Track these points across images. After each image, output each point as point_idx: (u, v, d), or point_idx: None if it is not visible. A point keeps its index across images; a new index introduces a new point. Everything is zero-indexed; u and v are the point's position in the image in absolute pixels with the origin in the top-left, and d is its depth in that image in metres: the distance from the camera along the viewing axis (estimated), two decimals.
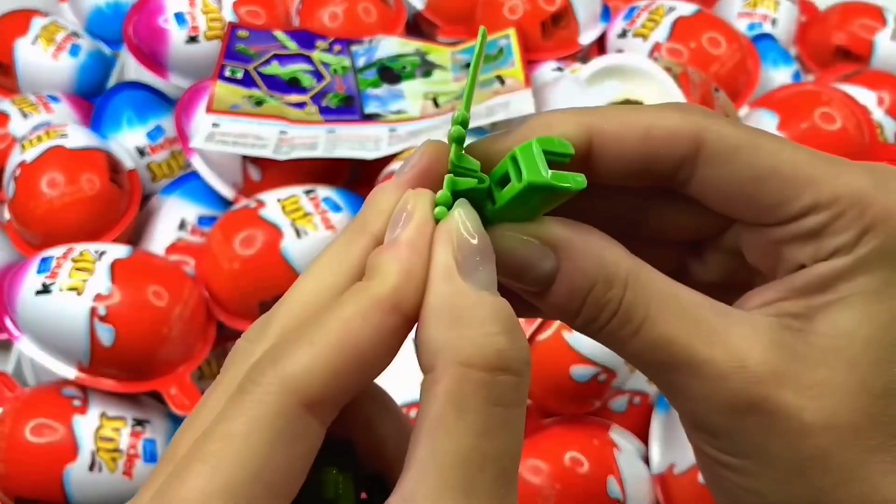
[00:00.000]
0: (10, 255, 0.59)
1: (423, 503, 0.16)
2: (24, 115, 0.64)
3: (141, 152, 0.63)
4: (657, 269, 0.21)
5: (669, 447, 0.47)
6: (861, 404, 0.19)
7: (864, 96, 0.63)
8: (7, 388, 0.51)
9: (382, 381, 0.19)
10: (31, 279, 0.50)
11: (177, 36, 0.64)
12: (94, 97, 0.68)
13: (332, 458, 0.18)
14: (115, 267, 0.50)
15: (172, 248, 0.58)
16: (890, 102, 0.64)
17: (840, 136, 0.58)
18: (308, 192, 0.56)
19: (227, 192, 0.60)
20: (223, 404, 0.17)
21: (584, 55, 0.70)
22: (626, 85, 0.57)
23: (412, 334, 0.18)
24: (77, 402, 0.49)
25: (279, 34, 0.67)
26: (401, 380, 0.49)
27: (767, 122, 0.60)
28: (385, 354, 0.17)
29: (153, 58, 0.65)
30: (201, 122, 0.59)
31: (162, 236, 0.59)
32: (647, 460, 0.48)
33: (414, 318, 0.18)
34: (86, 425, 0.48)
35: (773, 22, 0.73)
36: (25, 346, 0.50)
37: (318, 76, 0.65)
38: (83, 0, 0.74)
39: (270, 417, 0.16)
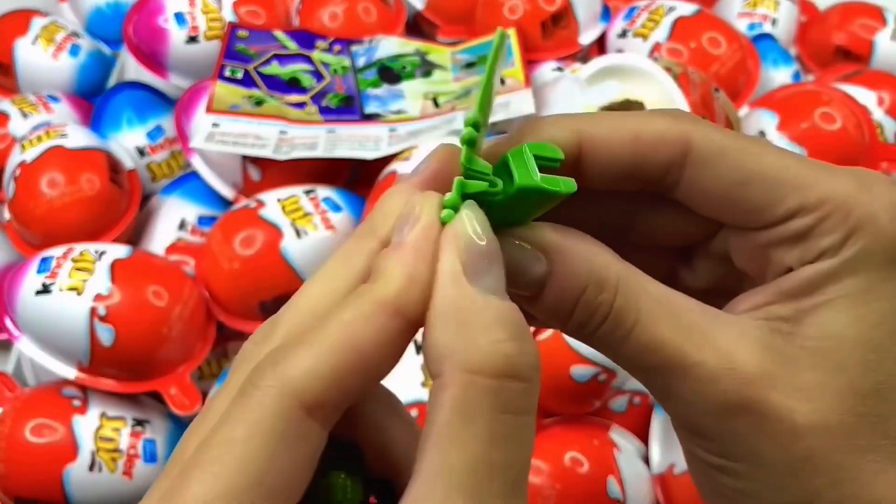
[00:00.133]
0: (10, 255, 0.59)
1: None
2: (24, 115, 0.64)
3: (141, 152, 0.63)
4: (648, 274, 0.22)
5: (669, 447, 0.47)
6: (850, 405, 0.19)
7: (864, 96, 0.63)
8: (7, 388, 0.51)
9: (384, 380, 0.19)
10: (31, 279, 0.50)
11: (177, 36, 0.64)
12: (94, 97, 0.68)
13: (340, 461, 0.18)
14: (115, 267, 0.50)
15: (172, 248, 0.58)
16: (890, 102, 0.64)
17: (840, 136, 0.58)
18: (308, 192, 0.56)
19: (227, 192, 0.60)
20: (226, 407, 0.17)
21: (584, 55, 0.70)
22: (626, 85, 0.57)
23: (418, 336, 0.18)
24: (77, 402, 0.49)
25: (279, 34, 0.67)
26: (401, 380, 0.49)
27: (767, 122, 0.60)
28: (388, 357, 0.17)
29: (153, 58, 0.65)
30: (201, 122, 0.59)
31: (162, 236, 0.59)
32: (647, 460, 0.48)
33: (418, 322, 0.18)
34: (86, 425, 0.48)
35: (773, 22, 0.73)
36: (25, 346, 0.50)
37: (318, 76, 0.65)
38: (83, 0, 0.74)
39: (271, 421, 0.16)
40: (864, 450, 0.19)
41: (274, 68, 0.65)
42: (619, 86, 0.58)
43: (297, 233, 0.53)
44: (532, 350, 0.17)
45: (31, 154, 0.57)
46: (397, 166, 0.56)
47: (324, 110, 0.63)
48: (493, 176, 0.19)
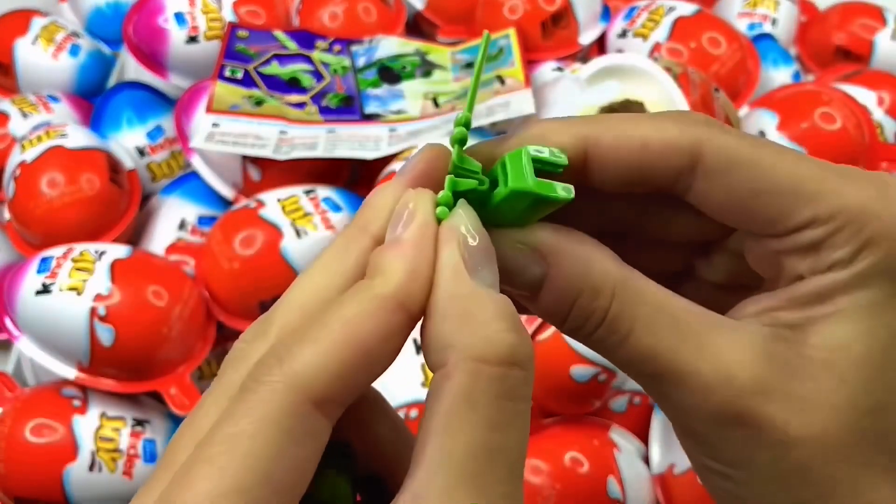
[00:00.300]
0: (10, 255, 0.59)
1: (435, 498, 0.16)
2: (24, 115, 0.64)
3: (141, 152, 0.63)
4: (664, 268, 0.22)
5: (669, 447, 0.47)
6: (849, 419, 0.19)
7: (864, 96, 0.63)
8: (7, 388, 0.51)
9: (381, 380, 0.19)
10: (31, 279, 0.50)
11: (177, 36, 0.64)
12: (94, 97, 0.68)
13: (329, 459, 0.18)
14: (115, 267, 0.50)
15: (172, 248, 0.58)
16: (890, 102, 0.64)
17: (840, 136, 0.58)
18: (308, 192, 0.56)
19: (227, 192, 0.60)
20: (224, 406, 0.17)
21: (584, 55, 0.70)
22: (626, 85, 0.57)
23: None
24: (77, 402, 0.49)
25: (279, 34, 0.67)
26: (401, 380, 0.49)
27: (767, 122, 0.60)
28: (390, 352, 0.17)
29: (153, 58, 0.65)
30: (201, 122, 0.59)
31: (162, 236, 0.59)
32: (647, 460, 0.48)
33: (417, 317, 0.18)
34: (86, 425, 0.48)
35: (773, 22, 0.73)
36: (25, 346, 0.50)
37: (318, 76, 0.65)
38: (83, 0, 0.74)
39: (278, 416, 0.16)
40: (860, 465, 0.19)
41: (274, 68, 0.65)
42: (619, 86, 0.58)
43: (297, 233, 0.53)
44: (529, 340, 0.18)
45: (31, 154, 0.57)
46: (397, 166, 0.56)
47: (324, 110, 0.63)
48: (482, 175, 0.19)
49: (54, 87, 0.68)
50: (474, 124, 0.58)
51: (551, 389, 0.46)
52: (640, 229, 0.23)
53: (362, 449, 0.20)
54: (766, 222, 0.20)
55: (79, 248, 0.51)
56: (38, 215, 0.56)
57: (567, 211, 0.20)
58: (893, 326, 0.19)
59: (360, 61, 0.67)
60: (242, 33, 0.66)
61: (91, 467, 0.47)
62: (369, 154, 0.58)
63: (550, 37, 0.68)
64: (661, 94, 0.56)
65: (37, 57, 0.69)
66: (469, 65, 0.67)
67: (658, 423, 0.48)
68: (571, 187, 0.19)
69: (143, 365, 0.50)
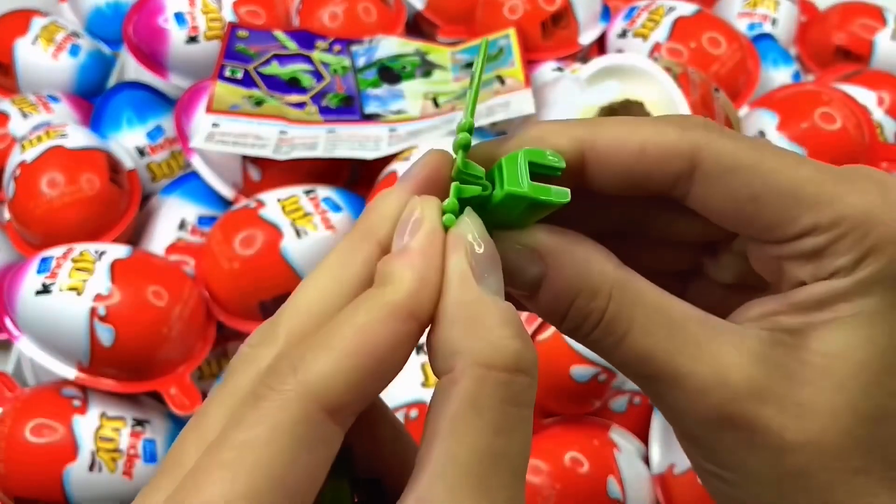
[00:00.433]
0: (10, 255, 0.59)
1: (440, 502, 0.16)
2: (24, 115, 0.64)
3: (141, 152, 0.63)
4: (671, 267, 0.22)
5: (669, 447, 0.47)
6: (846, 426, 0.18)
7: (864, 96, 0.63)
8: (7, 388, 0.51)
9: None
10: (31, 279, 0.50)
11: (177, 36, 0.64)
12: (94, 97, 0.68)
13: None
14: (115, 267, 0.50)
15: (172, 248, 0.58)
16: (890, 102, 0.64)
17: (840, 136, 0.58)
18: (308, 192, 0.56)
19: (227, 192, 0.60)
20: (232, 411, 0.17)
21: (584, 55, 0.70)
22: (626, 85, 0.57)
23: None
24: (77, 402, 0.49)
25: (279, 34, 0.67)
26: (401, 380, 0.49)
27: (767, 122, 0.60)
28: (400, 360, 0.17)
29: (153, 58, 0.65)
30: (201, 122, 0.59)
31: (162, 236, 0.59)
32: (647, 460, 0.48)
33: (426, 324, 0.18)
34: (86, 425, 0.48)
35: (773, 22, 0.73)
36: (25, 346, 0.50)
37: (318, 76, 0.65)
38: (83, 0, 0.74)
39: (292, 424, 0.16)
40: (856, 472, 0.19)
41: (274, 68, 0.65)
42: (619, 86, 0.58)
43: (297, 233, 0.53)
44: (533, 347, 0.18)
45: (31, 154, 0.57)
46: (397, 166, 0.56)
47: (324, 110, 0.63)
48: (485, 180, 0.20)
49: (54, 87, 0.68)
50: (475, 124, 0.58)
51: (551, 389, 0.46)
52: (644, 229, 0.23)
53: (361, 451, 0.20)
54: (765, 228, 0.20)
55: (79, 248, 0.51)
56: (38, 215, 0.56)
57: (569, 211, 0.20)
58: (894, 335, 0.19)
59: (360, 61, 0.67)
60: (242, 33, 0.66)
61: (91, 467, 0.47)
62: (369, 154, 0.58)
63: (550, 37, 0.68)
64: (661, 94, 0.56)
65: (37, 57, 0.69)
66: (469, 65, 0.67)
67: (658, 423, 0.48)
68: (567, 191, 0.19)
69: (143, 365, 0.50)
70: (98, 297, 0.49)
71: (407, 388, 0.48)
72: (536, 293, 0.20)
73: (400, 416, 0.45)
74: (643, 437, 0.49)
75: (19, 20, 0.70)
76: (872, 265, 0.18)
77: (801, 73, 0.71)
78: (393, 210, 0.19)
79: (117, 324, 0.48)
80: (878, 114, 0.63)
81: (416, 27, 0.75)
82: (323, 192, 0.56)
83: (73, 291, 0.49)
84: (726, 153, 0.19)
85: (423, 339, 0.18)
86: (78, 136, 0.59)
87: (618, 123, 0.20)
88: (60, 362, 0.50)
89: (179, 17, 0.64)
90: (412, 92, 0.65)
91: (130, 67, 0.71)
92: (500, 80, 0.62)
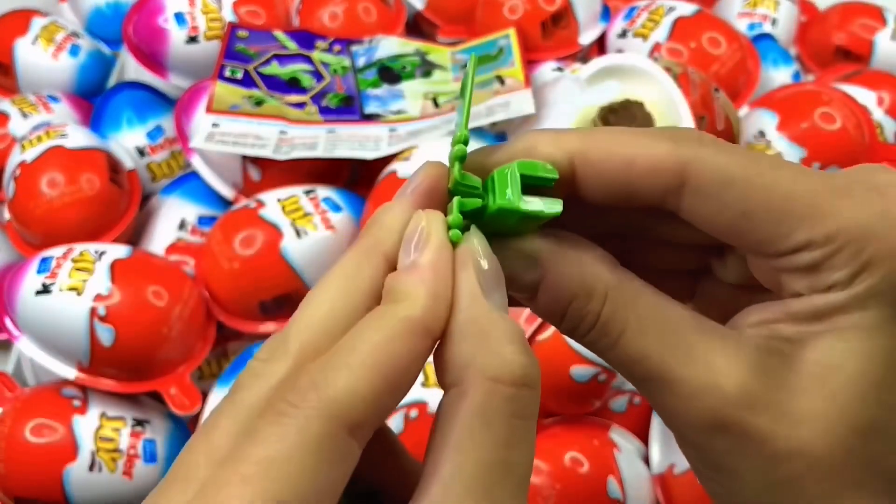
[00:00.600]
0: (10, 255, 0.59)
1: None
2: (24, 115, 0.64)
3: (141, 152, 0.63)
4: (679, 266, 0.22)
5: (669, 447, 0.47)
6: (839, 438, 0.18)
7: (864, 96, 0.63)
8: (7, 388, 0.51)
9: None
10: (31, 279, 0.50)
11: (177, 36, 0.64)
12: (94, 97, 0.68)
13: None
14: (115, 267, 0.50)
15: (172, 248, 0.58)
16: (890, 102, 0.64)
17: (840, 136, 0.58)
18: (308, 192, 0.56)
19: (227, 192, 0.60)
20: (247, 425, 0.17)
21: (584, 55, 0.70)
22: (626, 85, 0.57)
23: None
24: (77, 402, 0.49)
25: (279, 34, 0.67)
26: None
27: (767, 122, 0.60)
28: (415, 375, 0.18)
29: (153, 58, 0.65)
30: (201, 122, 0.59)
31: (162, 236, 0.59)
32: (647, 460, 0.48)
33: (438, 339, 0.18)
34: (86, 425, 0.48)
35: (773, 22, 0.73)
36: (25, 346, 0.50)
37: (318, 76, 0.65)
38: (83, 0, 0.74)
39: (315, 441, 0.16)
40: (850, 484, 0.19)
41: (274, 68, 0.65)
42: (619, 86, 0.58)
43: (297, 233, 0.53)
44: (537, 362, 0.18)
45: (31, 154, 0.57)
46: (397, 166, 0.56)
47: (324, 110, 0.63)
48: (482, 191, 0.20)
49: (54, 87, 0.68)
50: (474, 124, 0.58)
51: (551, 389, 0.46)
52: (646, 233, 0.23)
53: (360, 463, 0.20)
54: (759, 243, 0.20)
55: (79, 248, 0.51)
56: (38, 215, 0.56)
57: (569, 213, 0.20)
58: (890, 348, 0.19)
59: (360, 61, 0.67)
60: (242, 33, 0.66)
61: (91, 467, 0.47)
62: (369, 154, 0.58)
63: (550, 37, 0.68)
64: (661, 94, 0.56)
65: (37, 57, 0.69)
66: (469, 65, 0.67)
67: (658, 423, 0.48)
68: (560, 203, 0.19)
69: (143, 365, 0.50)
70: (98, 297, 0.49)
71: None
72: (535, 296, 0.21)
73: (400, 416, 0.45)
74: (643, 437, 0.49)
75: (19, 20, 0.70)
76: (869, 280, 0.18)
77: (801, 73, 0.71)
78: (398, 224, 0.20)
79: (117, 324, 0.48)
80: (878, 114, 0.63)
81: (416, 27, 0.75)
82: (323, 192, 0.56)
83: (73, 291, 0.49)
84: (718, 167, 0.19)
85: None
86: (78, 136, 0.59)
87: (609, 135, 0.20)
88: (60, 362, 0.50)
89: (179, 17, 0.64)
90: (412, 92, 0.65)
91: (130, 67, 0.71)
92: (500, 80, 0.62)
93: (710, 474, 0.20)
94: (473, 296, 0.19)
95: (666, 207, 0.20)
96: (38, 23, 0.70)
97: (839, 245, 0.19)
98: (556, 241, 0.20)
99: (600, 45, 0.71)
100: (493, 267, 0.19)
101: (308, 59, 0.66)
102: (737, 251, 0.22)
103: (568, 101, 0.58)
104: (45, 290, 0.49)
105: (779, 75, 0.69)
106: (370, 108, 0.64)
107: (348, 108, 0.63)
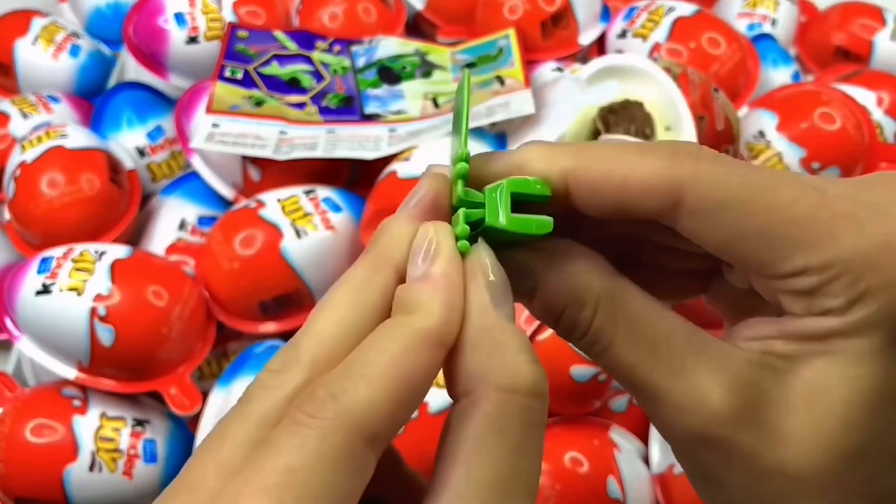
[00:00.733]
0: (10, 255, 0.59)
1: None
2: (24, 116, 0.64)
3: (141, 152, 0.63)
4: (690, 267, 0.22)
5: (669, 448, 0.47)
6: (826, 460, 0.18)
7: (864, 96, 0.63)
8: (7, 388, 0.51)
9: None
10: (31, 279, 0.50)
11: (177, 36, 0.64)
12: (94, 97, 0.68)
13: None
14: (115, 267, 0.50)
15: (172, 249, 0.58)
16: (890, 102, 0.64)
17: (840, 136, 0.58)
18: (308, 193, 0.56)
19: (227, 192, 0.60)
20: (260, 436, 0.17)
21: (583, 55, 0.70)
22: (625, 85, 0.57)
23: None
24: (77, 403, 0.49)
25: (279, 34, 0.67)
26: None
27: (767, 122, 0.60)
28: (429, 386, 0.18)
29: (153, 58, 0.65)
30: (201, 123, 0.59)
31: (162, 236, 0.59)
32: (647, 460, 0.48)
33: (450, 349, 0.18)
34: (86, 425, 0.48)
35: (773, 22, 0.73)
36: (25, 347, 0.50)
37: (318, 76, 0.65)
38: (83, 0, 0.74)
39: (334, 452, 0.16)
40: None
41: (274, 69, 0.65)
42: (619, 86, 0.58)
43: (297, 233, 0.53)
44: (545, 373, 0.19)
45: (31, 154, 0.57)
46: (397, 166, 0.56)
47: (324, 110, 0.63)
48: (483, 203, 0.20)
49: (54, 88, 0.68)
50: (474, 124, 0.58)
51: (551, 389, 0.45)
52: (651, 238, 0.23)
53: None
54: (755, 265, 0.19)
55: (79, 248, 0.51)
56: (38, 215, 0.56)
57: (574, 219, 0.20)
58: (883, 376, 0.18)
59: (360, 61, 0.67)
60: (242, 33, 0.66)
61: (91, 467, 0.47)
62: (369, 154, 0.58)
63: (550, 37, 0.68)
64: (661, 94, 0.56)
65: (37, 57, 0.69)
66: (469, 65, 0.67)
67: None
68: (550, 221, 0.20)
69: (143, 365, 0.50)
70: (98, 298, 0.49)
71: None
72: (531, 301, 0.21)
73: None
74: (643, 437, 0.49)
75: (19, 20, 0.70)
76: (865, 310, 0.18)
77: (800, 73, 0.71)
78: (406, 236, 0.20)
79: (117, 324, 0.48)
80: (878, 114, 0.63)
81: (416, 27, 0.75)
82: (323, 192, 0.56)
83: (73, 291, 0.49)
84: (713, 189, 0.19)
85: None
86: (78, 137, 0.59)
87: (602, 152, 0.20)
88: (60, 362, 0.50)
89: (179, 18, 0.64)
90: (412, 92, 0.65)
91: (130, 68, 0.71)
92: (500, 80, 0.62)
93: (700, 482, 0.21)
94: (484, 306, 0.19)
95: (663, 223, 0.20)
96: (38, 23, 0.70)
97: (836, 273, 0.18)
98: (549, 252, 0.21)
99: (600, 46, 0.71)
100: (502, 278, 0.19)
101: (308, 60, 0.66)
102: None
103: (568, 101, 0.58)
104: (46, 290, 0.49)
105: (778, 75, 0.69)
106: (370, 109, 0.64)
107: (348, 109, 0.63)
